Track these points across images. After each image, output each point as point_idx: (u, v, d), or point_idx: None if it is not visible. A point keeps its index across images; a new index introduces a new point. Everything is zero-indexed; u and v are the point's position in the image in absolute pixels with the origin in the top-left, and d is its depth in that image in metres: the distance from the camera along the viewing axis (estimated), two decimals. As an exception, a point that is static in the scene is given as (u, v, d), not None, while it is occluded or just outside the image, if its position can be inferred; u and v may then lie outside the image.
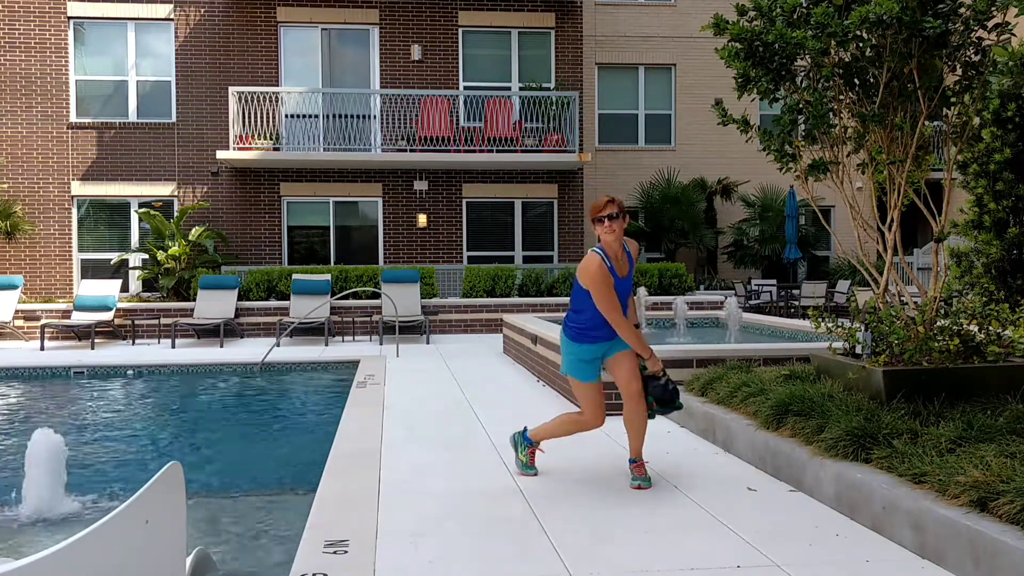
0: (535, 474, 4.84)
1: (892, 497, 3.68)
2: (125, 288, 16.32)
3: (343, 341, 13.45)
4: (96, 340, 13.09)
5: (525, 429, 4.95)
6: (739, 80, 5.61)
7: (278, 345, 12.21)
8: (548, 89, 17.29)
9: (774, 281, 18.03)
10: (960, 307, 5.11)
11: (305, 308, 13.45)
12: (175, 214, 16.35)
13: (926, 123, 5.31)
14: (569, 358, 4.65)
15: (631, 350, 4.60)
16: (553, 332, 7.96)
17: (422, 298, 14.24)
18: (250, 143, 16.07)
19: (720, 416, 5.55)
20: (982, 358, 4.82)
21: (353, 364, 10.13)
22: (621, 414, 4.70)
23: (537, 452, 4.94)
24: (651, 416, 4.69)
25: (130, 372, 10.07)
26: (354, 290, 12.15)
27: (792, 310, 16.84)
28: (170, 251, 14.94)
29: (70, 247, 16.60)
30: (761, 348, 7.11)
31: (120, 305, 13.92)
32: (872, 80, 5.37)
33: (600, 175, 19.70)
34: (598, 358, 4.64)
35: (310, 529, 3.82)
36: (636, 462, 4.65)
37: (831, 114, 5.57)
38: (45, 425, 4.94)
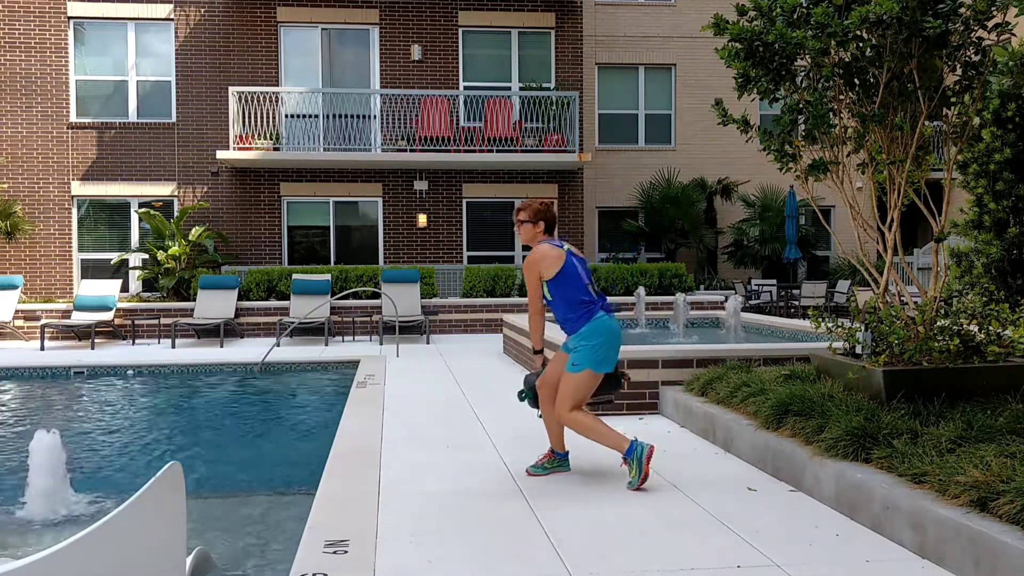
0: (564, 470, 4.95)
1: (892, 497, 3.68)
2: (125, 288, 16.31)
3: (343, 341, 13.45)
4: (96, 340, 13.09)
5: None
6: (739, 80, 5.61)
7: (278, 345, 12.21)
8: (548, 89, 17.28)
9: (774, 281, 18.04)
10: (960, 307, 5.10)
11: (305, 308, 13.45)
12: (175, 214, 16.35)
13: (926, 123, 5.31)
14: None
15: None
16: (553, 332, 7.95)
17: (422, 298, 14.24)
18: (250, 143, 16.06)
19: (720, 416, 5.55)
20: (982, 358, 4.82)
21: (353, 364, 10.13)
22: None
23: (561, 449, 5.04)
24: (521, 399, 5.00)
25: (130, 372, 10.07)
26: (354, 290, 12.15)
27: (792, 310, 16.84)
28: (170, 251, 14.94)
29: (70, 247, 16.60)
30: (761, 348, 7.10)
31: (120, 305, 13.93)
32: (872, 80, 5.37)
33: (600, 175, 19.70)
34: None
35: (310, 529, 3.82)
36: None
37: (831, 114, 5.57)
38: (45, 425, 4.94)
